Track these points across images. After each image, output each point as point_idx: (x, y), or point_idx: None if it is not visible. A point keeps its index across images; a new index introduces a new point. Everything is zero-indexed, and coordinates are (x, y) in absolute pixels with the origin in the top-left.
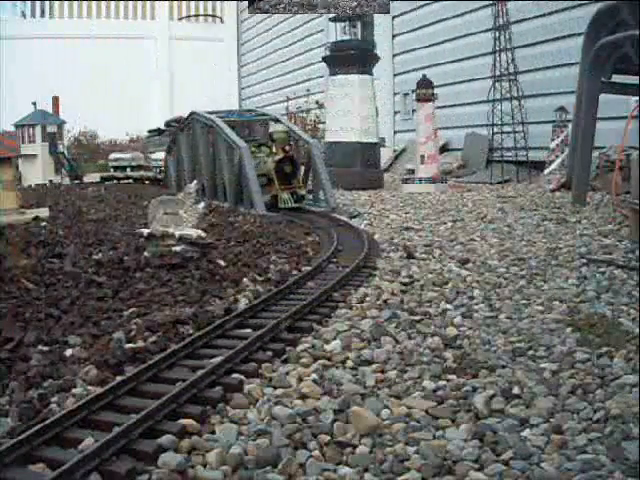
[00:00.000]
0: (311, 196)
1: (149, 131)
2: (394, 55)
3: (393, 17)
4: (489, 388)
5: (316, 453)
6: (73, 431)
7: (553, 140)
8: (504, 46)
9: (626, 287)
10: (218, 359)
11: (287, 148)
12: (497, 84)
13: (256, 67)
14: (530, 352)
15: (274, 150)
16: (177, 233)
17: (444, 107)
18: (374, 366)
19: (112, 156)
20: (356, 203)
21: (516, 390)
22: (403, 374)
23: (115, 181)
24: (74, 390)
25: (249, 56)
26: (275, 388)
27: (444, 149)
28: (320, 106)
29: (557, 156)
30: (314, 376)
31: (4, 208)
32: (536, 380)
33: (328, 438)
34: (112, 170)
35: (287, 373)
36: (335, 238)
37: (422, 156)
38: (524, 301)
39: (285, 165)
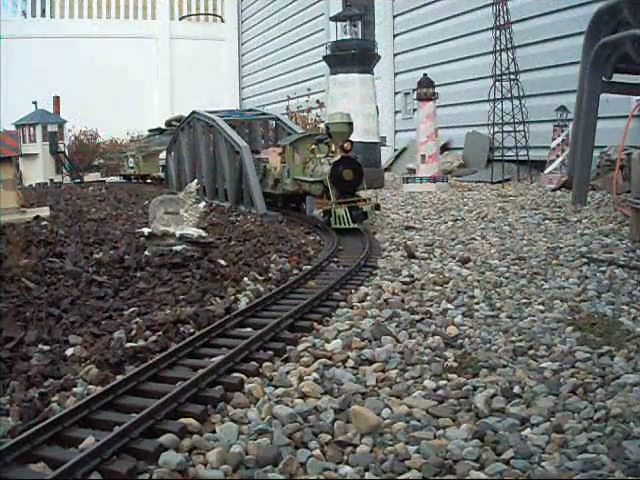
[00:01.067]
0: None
1: (150, 130)
2: (395, 54)
3: (394, 16)
4: (490, 387)
5: (317, 452)
6: (74, 430)
7: (554, 139)
8: (505, 45)
9: (627, 286)
10: (219, 358)
11: (347, 146)
12: (498, 83)
13: (256, 67)
14: (531, 351)
15: (332, 149)
16: (178, 232)
17: (445, 106)
18: (375, 365)
19: (162, 155)
20: None
21: (517, 389)
22: (404, 373)
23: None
24: (75, 389)
25: (249, 56)
26: (276, 387)
27: (445, 148)
28: (321, 105)
29: (558, 155)
30: (315, 375)
31: (5, 207)
32: (537, 379)
33: (329, 437)
34: (161, 169)
35: (288, 372)
36: (336, 237)
37: (423, 155)
38: (525, 300)
39: (344, 169)
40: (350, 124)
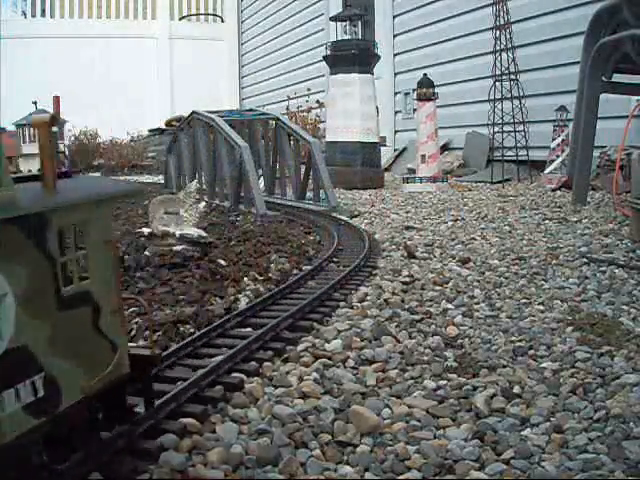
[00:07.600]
0: (312, 195)
1: (150, 130)
2: (395, 54)
3: (394, 16)
4: (490, 387)
5: (317, 452)
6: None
7: (554, 139)
8: (505, 45)
9: (627, 286)
10: (219, 358)
11: None
12: (498, 83)
13: (256, 67)
14: (531, 351)
15: None
16: (178, 232)
17: (445, 106)
18: (375, 365)
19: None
20: (357, 202)
21: (517, 389)
22: (404, 373)
23: None
24: None
25: (249, 56)
26: (276, 387)
27: (445, 148)
28: (320, 105)
29: (558, 155)
30: (315, 375)
31: None
32: (537, 379)
33: (329, 437)
34: None
35: (288, 372)
36: (336, 237)
37: (423, 155)
38: (525, 300)
39: None
40: None
